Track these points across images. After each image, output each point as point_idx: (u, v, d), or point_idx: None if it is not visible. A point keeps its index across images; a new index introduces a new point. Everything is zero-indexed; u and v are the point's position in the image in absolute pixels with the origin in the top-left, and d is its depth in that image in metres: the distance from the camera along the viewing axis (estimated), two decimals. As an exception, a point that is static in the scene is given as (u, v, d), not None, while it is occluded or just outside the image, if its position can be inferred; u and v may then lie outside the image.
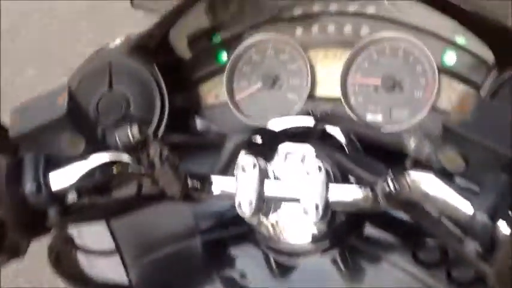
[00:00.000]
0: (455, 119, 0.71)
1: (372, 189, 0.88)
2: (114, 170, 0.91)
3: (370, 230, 1.07)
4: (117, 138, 0.95)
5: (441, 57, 1.14)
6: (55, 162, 0.90)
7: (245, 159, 0.97)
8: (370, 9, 1.20)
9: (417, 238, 1.01)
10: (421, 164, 0.80)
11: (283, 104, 1.24)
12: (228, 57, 1.29)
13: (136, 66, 1.23)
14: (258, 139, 1.06)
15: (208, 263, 1.15)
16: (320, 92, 1.23)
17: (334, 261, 1.06)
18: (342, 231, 1.03)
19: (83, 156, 0.91)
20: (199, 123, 1.29)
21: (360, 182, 0.93)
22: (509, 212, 0.66)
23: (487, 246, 0.67)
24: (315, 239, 1.01)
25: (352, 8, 1.21)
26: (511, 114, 0.70)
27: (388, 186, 0.82)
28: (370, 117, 1.18)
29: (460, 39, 1.12)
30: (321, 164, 0.93)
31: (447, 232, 0.76)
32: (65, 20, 4.00)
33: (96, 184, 0.91)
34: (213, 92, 1.31)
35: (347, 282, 1.05)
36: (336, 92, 1.21)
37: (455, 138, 0.71)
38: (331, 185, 0.92)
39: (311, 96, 1.23)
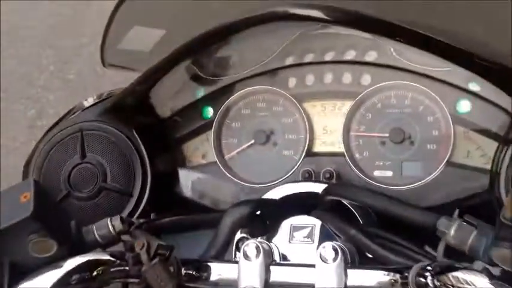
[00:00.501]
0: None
1: (402, 276, 0.74)
2: (95, 272, 0.77)
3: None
4: (96, 233, 0.81)
5: (454, 106, 1.02)
6: (22, 269, 0.75)
7: (247, 243, 0.83)
8: (371, 57, 1.08)
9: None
10: (461, 253, 0.68)
11: (278, 162, 1.11)
12: (214, 112, 1.16)
13: (112, 131, 1.08)
14: (258, 212, 0.92)
15: None
16: (319, 147, 1.11)
17: None
18: None
19: (56, 260, 0.76)
20: (184, 188, 1.15)
21: (381, 263, 0.81)
22: None
23: None
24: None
25: (349, 55, 1.09)
26: None
27: (425, 278, 0.69)
28: (377, 173, 1.06)
29: (474, 86, 1.00)
30: (336, 246, 0.80)
31: None
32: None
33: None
34: (199, 151, 1.18)
35: None
36: (338, 147, 1.09)
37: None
38: (350, 271, 0.79)
39: (309, 152, 1.10)
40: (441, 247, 0.72)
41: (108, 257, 0.79)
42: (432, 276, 0.68)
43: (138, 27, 1.07)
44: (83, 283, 0.77)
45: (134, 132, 1.08)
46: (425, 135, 1.03)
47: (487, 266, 0.64)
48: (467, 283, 0.64)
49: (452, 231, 0.69)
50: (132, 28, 1.07)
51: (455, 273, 0.66)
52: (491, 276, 0.63)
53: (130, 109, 1.11)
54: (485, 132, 1.00)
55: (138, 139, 1.09)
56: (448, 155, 1.00)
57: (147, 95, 1.09)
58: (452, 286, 0.66)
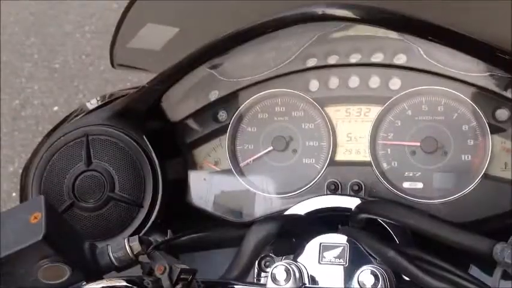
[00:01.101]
0: None
1: None
2: (112, 301, 0.69)
3: None
4: (111, 255, 0.73)
5: (492, 114, 0.95)
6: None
7: (276, 266, 0.76)
8: (400, 60, 1.00)
9: None
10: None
11: (299, 171, 1.04)
12: (229, 116, 1.08)
13: (121, 136, 1.00)
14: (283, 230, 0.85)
15: None
16: (343, 156, 1.03)
17: None
18: None
19: (69, 287, 0.68)
20: (197, 197, 1.07)
21: None
22: None
23: None
24: None
25: (377, 58, 1.01)
26: None
27: None
28: (407, 185, 0.99)
29: (515, 93, 0.93)
30: (376, 271, 0.73)
31: None
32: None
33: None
34: (212, 158, 1.09)
35: None
36: (363, 156, 1.02)
37: None
38: None
39: (332, 161, 1.03)
40: (497, 277, 0.66)
41: (125, 284, 0.70)
42: None
43: (150, 25, 0.99)
44: (97, 313, 0.69)
45: (144, 137, 1.00)
46: (459, 145, 0.96)
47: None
48: None
49: None
50: (144, 26, 0.98)
51: None
52: None
53: (140, 113, 1.02)
54: (525, 144, 0.93)
55: (149, 145, 1.00)
56: (485, 167, 0.94)
57: (159, 99, 1.01)
58: None
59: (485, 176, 0.94)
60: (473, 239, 0.70)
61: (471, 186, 0.94)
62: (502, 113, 0.95)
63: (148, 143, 1.00)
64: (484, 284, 0.72)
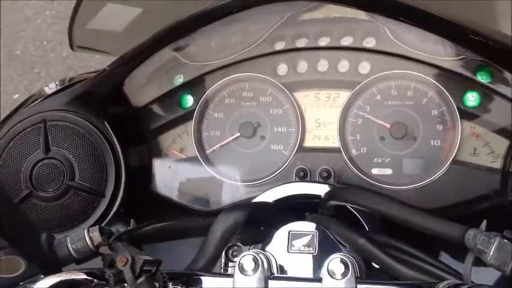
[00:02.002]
0: None
1: None
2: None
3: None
4: (70, 246, 0.69)
5: (461, 99, 0.94)
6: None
7: (243, 255, 0.73)
8: (370, 43, 0.98)
9: None
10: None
11: (267, 157, 1.01)
12: (195, 101, 1.04)
13: (81, 122, 0.95)
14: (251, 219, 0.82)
15: None
16: (312, 142, 1.01)
17: None
18: None
19: (24, 280, 0.64)
20: (161, 185, 1.03)
21: (395, 277, 0.72)
22: None
23: None
24: None
25: (346, 41, 0.99)
26: None
27: None
28: (375, 171, 0.98)
29: (484, 77, 0.92)
30: (346, 259, 0.70)
31: None
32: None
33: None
34: (177, 145, 1.06)
35: None
36: (332, 142, 1.00)
37: None
38: (362, 287, 0.70)
39: (301, 147, 1.00)
40: (469, 264, 0.64)
41: (85, 277, 0.67)
42: None
43: (111, 5, 0.94)
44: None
45: (106, 123, 0.96)
46: (428, 131, 0.95)
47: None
48: None
49: (492, 250, 0.61)
50: (105, 6, 0.94)
51: None
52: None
53: (102, 98, 0.98)
54: (494, 128, 0.92)
55: (111, 131, 0.96)
56: (454, 152, 0.93)
57: (121, 82, 0.96)
58: None
59: (455, 161, 0.93)
60: (444, 225, 0.69)
61: (440, 172, 0.93)
62: (472, 97, 0.94)
63: (110, 129, 0.96)
64: (455, 270, 0.71)
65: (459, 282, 0.64)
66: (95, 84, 0.95)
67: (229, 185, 1.00)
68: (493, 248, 0.61)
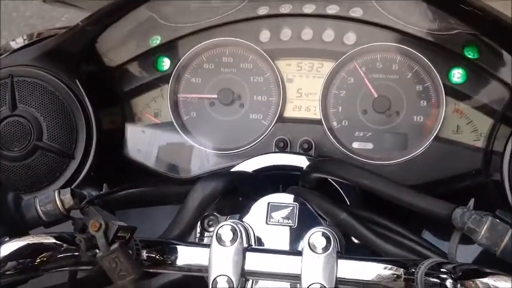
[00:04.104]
0: None
1: (407, 271, 0.64)
2: (38, 259, 0.61)
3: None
4: (39, 208, 0.65)
5: (447, 75, 0.92)
6: None
7: (221, 226, 0.70)
8: (357, 12, 0.95)
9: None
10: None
11: (245, 126, 0.98)
12: (172, 64, 1.00)
13: (51, 79, 0.90)
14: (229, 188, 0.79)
15: None
16: (292, 112, 0.98)
17: None
18: None
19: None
20: (134, 150, 0.99)
21: (377, 252, 0.70)
22: None
23: None
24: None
25: (333, 9, 0.96)
26: None
27: (441, 279, 0.59)
28: (356, 145, 0.96)
29: (472, 53, 0.91)
30: (328, 233, 0.68)
31: None
32: None
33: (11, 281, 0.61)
34: (151, 109, 1.01)
35: None
36: (313, 114, 0.97)
37: None
38: (342, 262, 0.68)
39: (281, 117, 0.97)
40: (455, 243, 0.63)
41: (54, 241, 0.63)
42: (453, 279, 0.58)
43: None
44: (22, 272, 0.61)
45: (77, 82, 0.91)
46: (412, 106, 0.93)
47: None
48: None
49: (483, 230, 0.59)
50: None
51: (485, 280, 0.56)
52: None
53: (73, 55, 0.92)
54: (478, 106, 0.91)
55: (82, 90, 0.91)
56: (437, 129, 0.91)
57: (95, 40, 0.91)
58: None
59: (437, 138, 0.92)
60: (432, 202, 0.67)
61: (422, 148, 0.91)
62: (457, 74, 0.92)
63: (81, 88, 0.91)
64: (438, 248, 0.69)
65: (444, 260, 0.62)
66: (66, 40, 0.89)
67: (206, 153, 0.96)
68: (485, 227, 0.60)
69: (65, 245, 0.64)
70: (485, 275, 0.57)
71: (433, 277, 0.61)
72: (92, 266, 0.65)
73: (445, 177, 0.90)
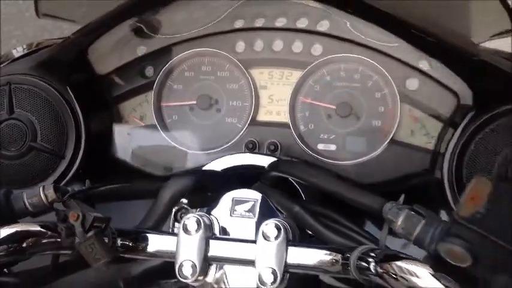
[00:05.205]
0: (466, 210, 0.59)
1: (344, 257, 0.74)
2: (24, 243, 0.71)
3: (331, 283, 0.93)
4: (26, 201, 0.75)
5: (403, 83, 1.01)
6: None
7: (187, 217, 0.80)
8: (323, 27, 1.05)
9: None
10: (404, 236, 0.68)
11: (221, 129, 1.08)
12: (156, 72, 1.10)
13: (45, 87, 1.00)
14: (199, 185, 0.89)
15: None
16: (264, 116, 1.08)
17: None
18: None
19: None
20: (120, 150, 1.09)
21: (322, 241, 0.80)
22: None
23: None
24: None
25: (302, 24, 1.05)
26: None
27: (367, 262, 0.69)
28: (321, 147, 1.05)
29: (425, 65, 1.00)
30: (279, 224, 0.78)
31: None
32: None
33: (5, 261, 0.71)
34: (137, 113, 1.12)
35: None
36: (283, 118, 1.06)
37: (464, 233, 0.59)
38: (291, 249, 0.77)
39: (254, 121, 1.07)
40: (384, 233, 0.72)
41: (39, 228, 0.73)
42: (376, 262, 0.68)
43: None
44: (11, 255, 0.71)
45: (68, 89, 1.01)
46: (371, 111, 1.02)
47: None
48: (410, 273, 0.64)
49: (399, 221, 0.68)
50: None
51: (399, 263, 0.66)
52: (435, 268, 0.63)
53: (66, 64, 1.03)
54: (430, 112, 1.00)
55: (73, 97, 1.01)
56: (393, 132, 1.00)
57: (85, 50, 1.01)
58: (395, 274, 0.66)
59: (393, 141, 1.00)
60: (366, 197, 0.76)
61: (379, 150, 1.00)
62: (412, 83, 1.01)
63: (72, 94, 1.01)
64: (374, 237, 0.78)
65: (374, 247, 0.72)
66: (58, 51, 1.00)
67: (184, 152, 1.06)
68: (401, 218, 0.68)
69: (48, 232, 0.74)
70: (401, 259, 0.66)
71: (363, 261, 0.70)
72: (71, 250, 0.75)
73: (399, 176, 0.99)
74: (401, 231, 0.68)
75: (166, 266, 0.82)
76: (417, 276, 0.63)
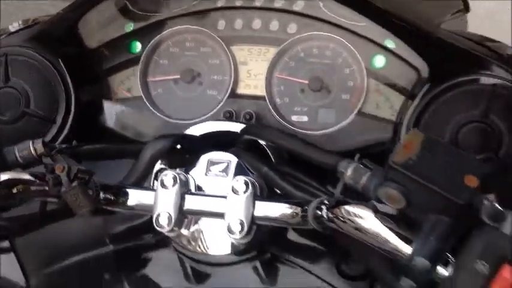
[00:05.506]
0: (401, 157, 0.67)
1: (302, 209, 0.82)
2: (15, 189, 0.80)
3: (295, 238, 1.02)
4: (17, 154, 0.83)
5: (370, 61, 1.09)
6: None
7: (165, 173, 0.88)
8: (298, 6, 1.13)
9: (342, 250, 0.97)
10: (354, 190, 0.76)
11: (203, 100, 1.16)
12: (142, 48, 1.18)
13: (38, 58, 1.09)
14: (178, 146, 0.97)
15: (119, 271, 1.05)
16: (243, 90, 1.16)
17: (256, 270, 1.00)
18: (265, 241, 0.98)
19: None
20: (108, 119, 1.17)
21: (287, 197, 0.88)
22: (449, 256, 0.63)
23: (423, 286, 0.65)
24: (237, 251, 0.96)
25: (279, 3, 1.13)
26: (457, 155, 0.66)
27: (320, 210, 0.77)
28: (295, 118, 1.13)
29: (390, 44, 1.07)
30: (248, 180, 0.86)
31: (377, 264, 0.73)
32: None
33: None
34: (125, 85, 1.20)
35: (268, 291, 1.01)
36: (260, 91, 1.14)
37: (399, 177, 0.67)
38: (258, 203, 0.86)
39: (233, 93, 1.15)
40: (339, 186, 0.80)
41: (29, 177, 0.81)
42: (327, 209, 0.76)
43: None
44: (3, 199, 0.80)
45: (60, 60, 1.09)
46: (341, 86, 1.10)
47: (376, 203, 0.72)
48: (355, 216, 0.72)
49: (349, 172, 0.76)
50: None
51: (346, 207, 0.74)
52: (376, 210, 0.71)
53: (57, 38, 1.11)
54: (394, 87, 1.08)
55: (64, 67, 1.10)
56: (360, 105, 1.08)
57: (75, 25, 1.09)
58: (343, 217, 0.74)
59: (360, 113, 1.08)
60: (325, 155, 0.84)
61: (347, 121, 1.08)
62: (378, 60, 1.09)
63: (63, 65, 1.09)
64: (332, 192, 0.86)
65: (330, 198, 0.80)
66: (49, 26, 1.08)
67: (167, 122, 1.14)
68: (350, 170, 0.77)
69: (37, 180, 0.82)
70: (348, 204, 0.74)
71: (318, 210, 0.78)
72: (58, 199, 0.83)
73: (365, 145, 1.07)
74: (351, 181, 0.76)
75: (147, 221, 0.90)
76: (362, 218, 0.72)
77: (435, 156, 0.67)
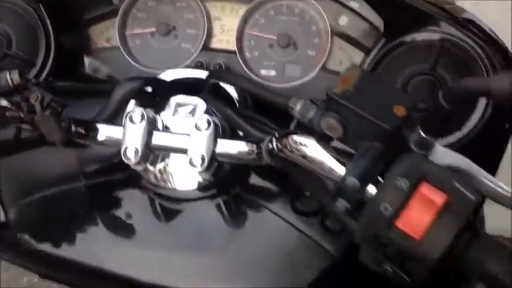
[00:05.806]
0: (339, 89, 0.74)
1: (258, 146, 0.89)
2: (-8, 114, 0.86)
3: (254, 179, 1.09)
4: (-5, 82, 0.89)
5: (335, 20, 1.16)
6: None
7: (133, 109, 0.95)
8: (269, -35, 1.19)
9: (296, 189, 1.05)
10: (304, 127, 0.83)
11: (177, 53, 1.22)
12: (121, 1, 1.24)
13: (20, 3, 1.16)
14: (149, 89, 1.04)
15: (92, 205, 1.12)
16: (215, 44, 1.22)
17: (219, 208, 1.08)
18: (227, 180, 1.05)
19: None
20: (88, 65, 1.24)
21: (247, 137, 0.95)
22: (378, 177, 0.70)
23: (355, 205, 0.71)
24: (201, 187, 1.03)
25: (250, -38, 1.20)
26: (389, 89, 0.73)
27: (272, 144, 0.84)
28: (263, 72, 1.19)
29: (354, 4, 1.14)
30: (210, 119, 0.93)
31: (321, 191, 0.80)
32: None
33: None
34: (104, 35, 1.26)
35: (229, 228, 1.07)
36: (231, 46, 1.21)
37: (337, 108, 0.73)
38: (219, 140, 0.93)
39: (206, 47, 1.21)
40: (293, 123, 0.87)
41: (5, 103, 0.88)
42: (277, 141, 0.83)
43: None
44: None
45: (41, 6, 1.15)
46: (307, 42, 1.17)
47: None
48: (301, 144, 0.79)
49: (298, 107, 0.84)
50: None
51: (293, 136, 0.81)
52: (318, 138, 0.78)
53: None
54: (356, 45, 1.14)
55: (45, 13, 1.16)
56: (323, 61, 1.15)
57: None
58: (290, 147, 0.81)
59: (323, 68, 1.15)
60: (278, 95, 0.91)
61: (311, 75, 1.15)
62: (343, 19, 1.16)
63: (44, 12, 1.15)
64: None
65: (281, 131, 0.86)
66: None
67: (142, 71, 1.21)
68: (299, 106, 0.84)
69: (13, 107, 0.88)
70: (295, 133, 0.81)
71: (271, 144, 0.85)
72: (32, 126, 0.90)
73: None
74: (299, 116, 0.83)
75: (118, 159, 0.96)
76: (306, 146, 0.79)
77: (369, 89, 0.74)
